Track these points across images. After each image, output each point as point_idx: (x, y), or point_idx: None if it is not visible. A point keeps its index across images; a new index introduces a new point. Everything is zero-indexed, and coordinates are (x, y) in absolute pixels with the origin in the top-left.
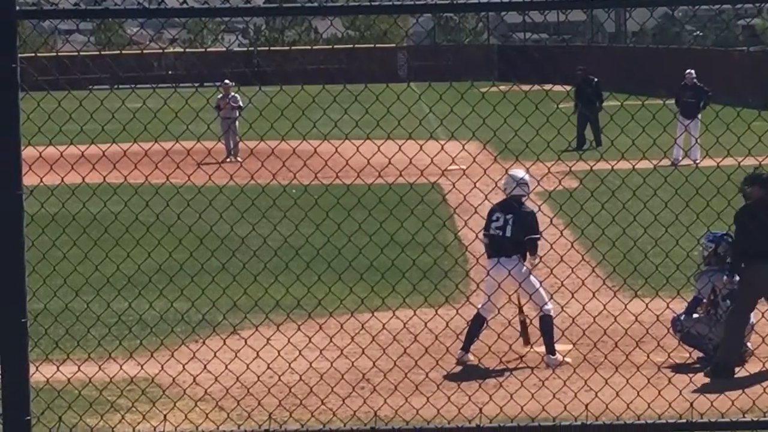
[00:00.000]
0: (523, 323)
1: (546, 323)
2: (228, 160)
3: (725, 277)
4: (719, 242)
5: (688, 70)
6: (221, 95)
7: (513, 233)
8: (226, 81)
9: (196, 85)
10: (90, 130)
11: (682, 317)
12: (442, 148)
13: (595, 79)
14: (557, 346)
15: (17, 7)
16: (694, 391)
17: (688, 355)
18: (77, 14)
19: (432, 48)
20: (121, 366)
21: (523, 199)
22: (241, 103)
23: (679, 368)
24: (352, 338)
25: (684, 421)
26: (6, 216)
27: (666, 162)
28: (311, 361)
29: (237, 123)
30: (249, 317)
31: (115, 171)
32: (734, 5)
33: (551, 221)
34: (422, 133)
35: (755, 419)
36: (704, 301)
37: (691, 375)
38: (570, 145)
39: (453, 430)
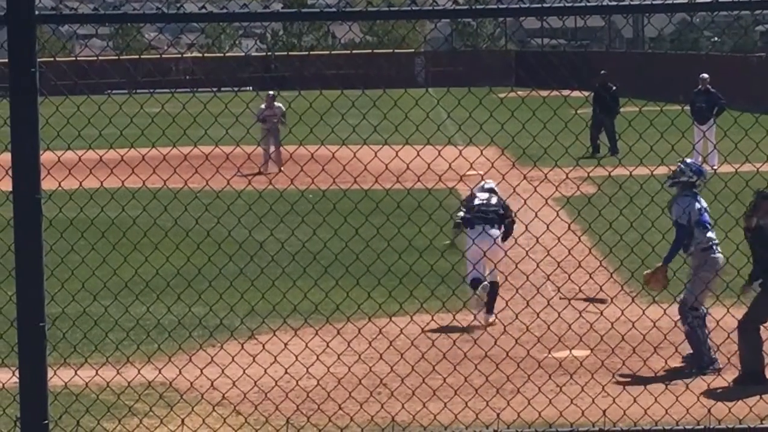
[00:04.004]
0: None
1: (494, 289)
2: (262, 170)
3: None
4: (701, 173)
5: (701, 75)
6: (264, 106)
7: (496, 205)
8: (270, 92)
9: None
10: (108, 135)
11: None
12: (461, 154)
13: (614, 87)
14: (575, 352)
15: (36, 12)
16: (712, 398)
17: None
18: (96, 19)
19: (450, 53)
20: (138, 370)
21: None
22: (284, 117)
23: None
24: (370, 343)
25: (702, 427)
26: (25, 220)
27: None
28: (329, 366)
29: (279, 134)
30: (267, 322)
31: (133, 175)
32: (753, 11)
33: (569, 227)
34: (440, 139)
35: None
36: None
37: (709, 381)
38: (588, 151)
39: None
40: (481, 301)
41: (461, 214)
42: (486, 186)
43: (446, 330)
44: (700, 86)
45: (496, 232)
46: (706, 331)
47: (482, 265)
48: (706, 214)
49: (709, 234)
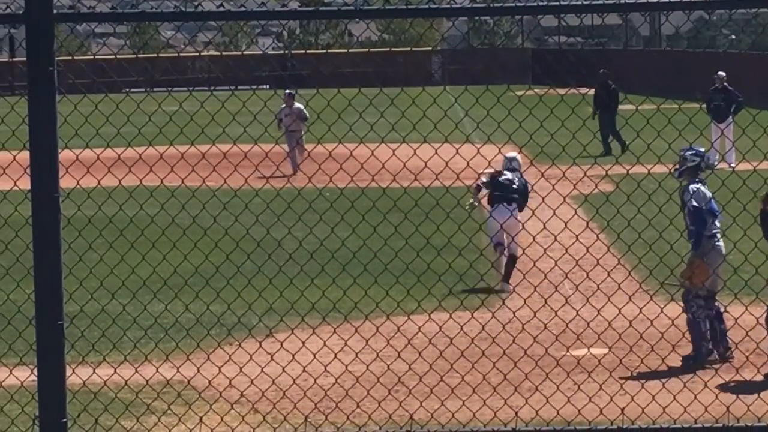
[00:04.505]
0: (511, 259)
1: (513, 261)
2: (295, 174)
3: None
4: (701, 155)
5: (717, 73)
6: (283, 106)
7: (518, 186)
8: (288, 91)
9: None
10: (126, 133)
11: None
12: (478, 152)
13: (613, 85)
14: (593, 350)
15: (54, 11)
16: (731, 396)
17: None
18: (114, 17)
19: (466, 51)
20: (156, 368)
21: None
22: (306, 114)
23: (716, 372)
24: (388, 341)
25: (720, 425)
26: (43, 218)
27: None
28: (347, 364)
29: (303, 137)
30: (285, 320)
31: (151, 174)
32: None
33: (587, 225)
34: (458, 137)
35: None
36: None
37: (727, 379)
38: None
39: None
40: (502, 265)
41: (484, 179)
42: (511, 164)
43: (464, 328)
44: (716, 84)
45: (514, 209)
46: (724, 327)
47: (502, 237)
48: (713, 202)
49: (716, 222)
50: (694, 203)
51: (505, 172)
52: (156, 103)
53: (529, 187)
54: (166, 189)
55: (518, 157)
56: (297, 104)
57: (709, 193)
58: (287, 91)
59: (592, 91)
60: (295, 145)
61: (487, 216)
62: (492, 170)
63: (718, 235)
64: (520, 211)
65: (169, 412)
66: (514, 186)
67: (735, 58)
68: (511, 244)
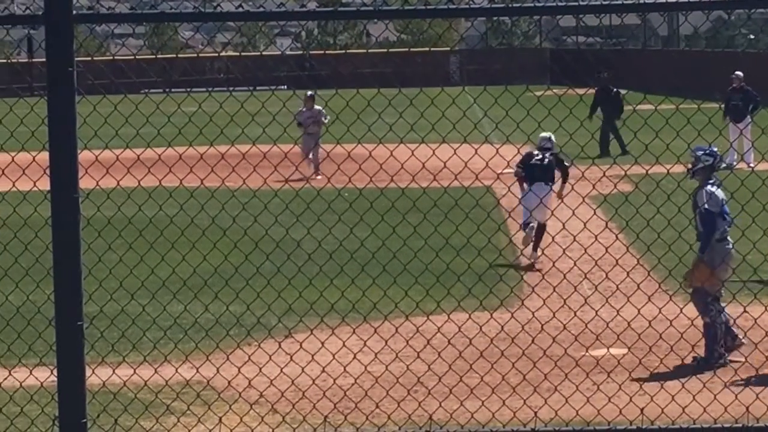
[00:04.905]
0: (538, 231)
1: (541, 230)
2: (317, 176)
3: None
4: (715, 155)
5: (735, 73)
6: (303, 109)
7: (549, 164)
8: (309, 92)
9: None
10: (145, 134)
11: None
12: (497, 152)
13: (614, 89)
14: (612, 350)
15: (74, 12)
16: (750, 396)
17: (743, 359)
18: (134, 18)
19: (484, 52)
20: (176, 369)
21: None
22: (326, 118)
23: (735, 372)
24: (407, 342)
25: (740, 425)
26: (62, 219)
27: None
28: (366, 364)
29: (320, 140)
30: (304, 320)
31: (170, 174)
32: None
33: (606, 225)
34: (477, 137)
35: None
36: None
37: (747, 379)
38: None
39: None
40: (528, 240)
41: (519, 169)
42: (543, 143)
43: (483, 328)
44: (734, 84)
45: (547, 187)
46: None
47: (532, 217)
48: (725, 205)
49: (726, 226)
50: (707, 206)
51: (535, 152)
52: (175, 103)
53: (567, 161)
54: (186, 189)
55: (552, 137)
56: (317, 106)
57: (722, 195)
58: (308, 92)
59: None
60: (312, 147)
61: (523, 195)
62: (528, 150)
63: (729, 238)
64: (564, 182)
65: (189, 413)
66: (544, 164)
67: (754, 57)
68: (541, 216)
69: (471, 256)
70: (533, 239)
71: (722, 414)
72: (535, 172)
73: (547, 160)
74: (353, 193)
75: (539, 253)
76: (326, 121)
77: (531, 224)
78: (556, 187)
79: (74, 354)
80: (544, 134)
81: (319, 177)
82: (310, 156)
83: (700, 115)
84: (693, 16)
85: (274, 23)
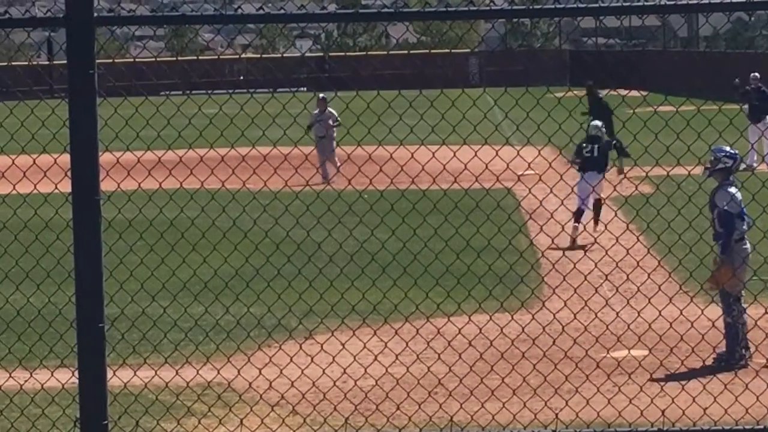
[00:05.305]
0: (596, 203)
1: (598, 205)
2: (331, 182)
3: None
4: (735, 157)
5: (752, 74)
6: (316, 111)
7: (599, 154)
8: (321, 95)
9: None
10: (166, 136)
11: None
12: (518, 154)
13: (602, 95)
14: (633, 352)
15: (95, 14)
16: None
17: (765, 360)
18: (155, 21)
19: (504, 53)
20: (197, 371)
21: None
22: (338, 120)
23: (756, 373)
24: (428, 343)
25: (761, 427)
26: (84, 221)
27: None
28: (387, 366)
29: (334, 142)
30: (324, 322)
31: (191, 176)
32: None
33: (627, 227)
34: (497, 138)
35: None
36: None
37: None
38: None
39: None
40: (576, 231)
41: (574, 157)
42: (591, 131)
43: (504, 330)
44: (752, 85)
45: (598, 175)
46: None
47: (584, 203)
48: (743, 205)
49: (744, 226)
50: (726, 207)
51: (584, 144)
52: (196, 105)
53: (611, 146)
54: (207, 192)
55: (600, 125)
56: (330, 109)
57: (740, 196)
58: (320, 95)
59: (631, 93)
60: (327, 154)
61: (579, 179)
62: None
63: (746, 238)
64: (625, 155)
65: (210, 414)
66: (595, 155)
67: None
68: (594, 195)
69: (492, 258)
70: (580, 233)
71: (743, 415)
72: (586, 163)
73: (596, 152)
74: (374, 195)
75: (601, 226)
76: (335, 125)
77: (584, 212)
78: (610, 174)
79: (95, 356)
80: (594, 122)
81: (336, 177)
82: (326, 161)
83: (721, 117)
84: (713, 18)
85: (294, 25)
